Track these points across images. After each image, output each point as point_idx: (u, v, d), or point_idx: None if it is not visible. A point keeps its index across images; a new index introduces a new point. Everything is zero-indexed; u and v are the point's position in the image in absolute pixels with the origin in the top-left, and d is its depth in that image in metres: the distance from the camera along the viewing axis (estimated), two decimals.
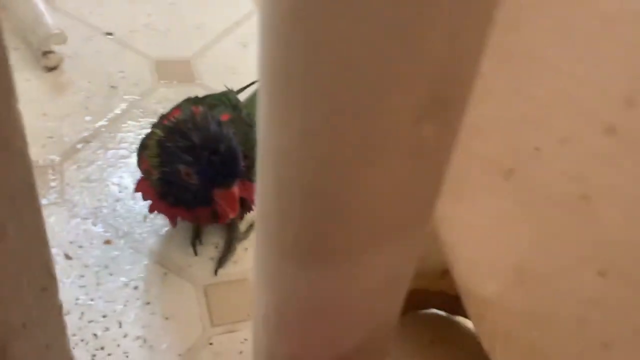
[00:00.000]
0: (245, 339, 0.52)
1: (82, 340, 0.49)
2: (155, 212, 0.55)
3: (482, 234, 0.33)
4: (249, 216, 0.59)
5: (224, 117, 0.53)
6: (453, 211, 0.26)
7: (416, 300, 0.52)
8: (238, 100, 0.61)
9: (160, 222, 0.59)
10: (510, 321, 0.33)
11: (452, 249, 0.34)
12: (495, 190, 0.31)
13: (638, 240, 0.28)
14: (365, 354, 0.28)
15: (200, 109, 0.49)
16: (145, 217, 0.59)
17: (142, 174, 0.53)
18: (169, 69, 0.77)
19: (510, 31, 0.21)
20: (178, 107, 0.56)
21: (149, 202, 0.60)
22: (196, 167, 0.45)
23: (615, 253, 0.28)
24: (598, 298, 0.29)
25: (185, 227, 0.59)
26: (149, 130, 0.54)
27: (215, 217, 0.51)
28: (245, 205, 0.53)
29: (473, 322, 0.36)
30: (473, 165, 0.24)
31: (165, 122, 0.50)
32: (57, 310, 0.30)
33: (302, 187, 0.21)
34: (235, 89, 0.65)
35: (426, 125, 0.20)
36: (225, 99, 0.59)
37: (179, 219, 0.55)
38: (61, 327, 0.31)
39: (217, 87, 0.76)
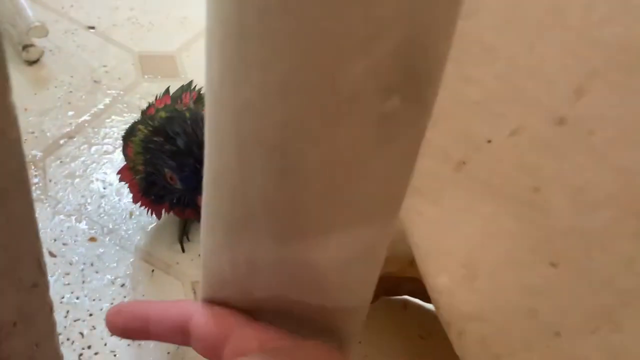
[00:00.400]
0: None
1: (67, 339, 0.48)
2: (140, 204, 0.53)
3: (434, 225, 0.32)
4: None
5: None
6: (408, 198, 0.25)
7: (387, 286, 0.51)
8: None
9: (147, 219, 0.58)
10: (460, 316, 0.32)
11: (410, 237, 0.34)
12: (446, 181, 0.31)
13: (586, 228, 0.28)
14: (333, 330, 0.28)
15: (192, 106, 0.47)
16: (131, 214, 0.58)
17: (127, 161, 0.52)
18: (152, 64, 0.76)
19: (465, 17, 0.20)
20: (169, 94, 0.54)
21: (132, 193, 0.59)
22: (180, 173, 0.43)
23: (566, 243, 0.28)
24: (549, 289, 0.29)
25: (172, 223, 0.58)
26: (137, 118, 0.53)
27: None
28: None
29: (436, 311, 0.36)
30: (426, 153, 0.24)
31: (152, 112, 0.49)
32: (47, 307, 0.29)
33: (264, 142, 0.21)
34: None
35: (394, 99, 0.19)
36: None
37: (165, 213, 0.54)
38: (51, 325, 0.30)
39: (201, 82, 0.75)
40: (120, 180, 0.53)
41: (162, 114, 0.46)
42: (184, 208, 0.51)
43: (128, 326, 0.29)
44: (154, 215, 0.58)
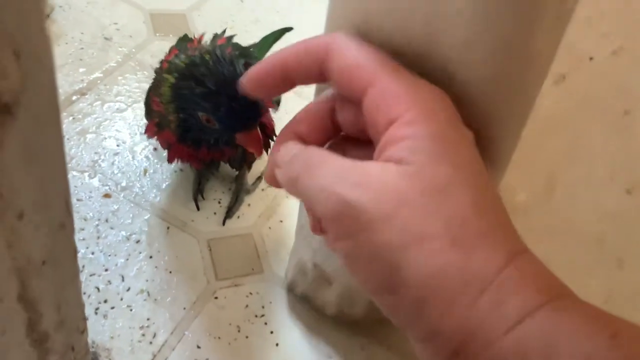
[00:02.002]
0: (250, 293, 0.51)
1: (84, 294, 0.48)
2: (177, 160, 0.52)
3: (524, 136, 0.32)
4: (256, 169, 0.58)
5: (221, 41, 0.51)
6: None
7: None
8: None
9: (161, 176, 0.58)
10: (532, 233, 0.33)
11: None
12: (544, 94, 0.31)
13: None
14: None
15: (209, 48, 0.46)
16: (145, 171, 0.58)
17: (152, 118, 0.50)
18: (164, 22, 0.75)
19: None
20: (174, 47, 0.53)
21: (147, 156, 0.59)
22: (217, 113, 0.42)
23: None
24: (621, 215, 0.30)
25: (186, 182, 0.57)
26: (150, 77, 0.52)
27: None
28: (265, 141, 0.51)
29: None
30: None
31: (169, 61, 0.48)
32: (72, 251, 0.29)
33: None
34: None
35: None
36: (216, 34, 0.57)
37: (179, 169, 0.53)
38: (75, 270, 0.30)
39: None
40: (149, 137, 0.52)
41: (183, 59, 0.44)
42: (222, 148, 0.49)
43: (265, 76, 0.29)
44: (168, 173, 0.57)
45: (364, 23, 0.31)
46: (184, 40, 0.56)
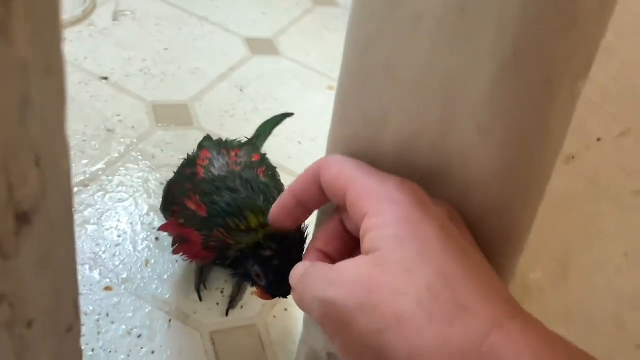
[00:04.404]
0: None
1: None
2: (181, 254, 0.50)
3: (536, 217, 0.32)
4: None
5: (256, 156, 0.51)
6: None
7: None
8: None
9: (163, 267, 0.57)
10: (549, 314, 0.32)
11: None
12: (555, 173, 0.31)
13: None
14: None
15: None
16: (146, 262, 0.57)
17: (177, 217, 0.48)
18: (166, 113, 0.76)
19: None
20: (204, 148, 0.53)
21: (149, 246, 0.58)
22: (270, 277, 0.40)
23: None
24: (638, 299, 0.29)
25: (188, 271, 0.57)
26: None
27: None
28: None
29: None
30: None
31: (201, 174, 0.47)
32: (78, 354, 0.28)
33: None
34: (233, 131, 0.63)
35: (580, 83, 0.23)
36: (247, 142, 0.58)
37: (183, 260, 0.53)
38: None
39: (215, 130, 0.75)
40: (163, 230, 0.51)
41: (254, 221, 0.42)
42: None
43: (285, 209, 0.33)
44: (170, 264, 0.56)
45: (381, 115, 0.32)
46: (209, 139, 0.57)
